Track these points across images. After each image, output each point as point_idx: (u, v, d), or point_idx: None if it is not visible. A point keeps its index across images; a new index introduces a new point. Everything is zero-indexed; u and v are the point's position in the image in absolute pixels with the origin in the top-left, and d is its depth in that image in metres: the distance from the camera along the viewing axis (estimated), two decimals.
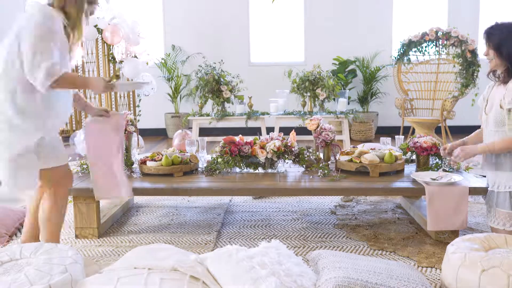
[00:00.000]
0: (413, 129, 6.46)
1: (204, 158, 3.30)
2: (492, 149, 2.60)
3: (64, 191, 2.52)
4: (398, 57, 6.30)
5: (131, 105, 6.68)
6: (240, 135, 3.21)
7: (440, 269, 2.37)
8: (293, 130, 3.51)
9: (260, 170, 3.16)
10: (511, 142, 2.52)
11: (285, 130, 4.22)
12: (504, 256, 2.03)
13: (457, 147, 2.79)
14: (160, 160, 3.11)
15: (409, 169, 3.18)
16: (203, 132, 7.63)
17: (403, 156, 3.19)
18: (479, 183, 2.81)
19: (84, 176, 3.09)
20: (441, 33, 5.97)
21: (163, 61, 7.59)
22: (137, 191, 2.86)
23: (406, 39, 6.22)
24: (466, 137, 2.92)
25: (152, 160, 3.13)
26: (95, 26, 5.83)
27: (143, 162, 3.14)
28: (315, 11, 7.66)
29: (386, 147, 3.34)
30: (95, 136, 2.66)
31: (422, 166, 3.08)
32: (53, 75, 2.21)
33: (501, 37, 2.53)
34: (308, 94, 5.69)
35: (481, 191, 2.75)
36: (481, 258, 2.00)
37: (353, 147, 3.35)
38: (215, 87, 5.63)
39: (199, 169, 3.22)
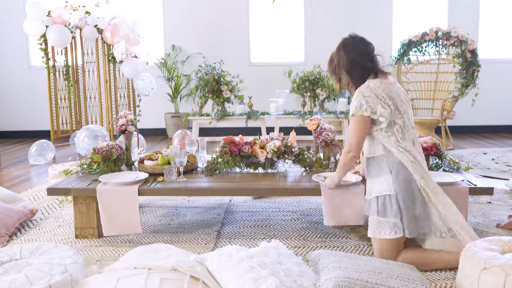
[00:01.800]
0: None
1: (204, 158, 3.30)
2: (338, 169, 2.59)
3: None
4: (398, 57, 6.31)
5: (131, 105, 6.69)
6: (240, 135, 3.21)
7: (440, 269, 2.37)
8: (293, 130, 3.51)
9: (260, 170, 3.16)
10: (343, 155, 2.49)
11: (285, 130, 4.22)
12: None
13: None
14: (157, 159, 3.11)
15: None
16: (203, 132, 7.63)
17: None
18: (479, 183, 2.81)
19: (84, 176, 3.09)
20: (441, 33, 5.98)
21: (163, 61, 7.59)
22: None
23: (406, 39, 6.23)
24: None
25: (149, 159, 3.13)
26: (95, 26, 5.83)
27: (141, 161, 3.15)
28: (315, 11, 7.66)
29: None
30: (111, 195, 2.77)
31: None
32: None
33: (333, 63, 2.58)
34: (308, 94, 5.69)
35: (481, 191, 2.75)
36: (503, 261, 1.92)
37: None
38: (215, 87, 5.63)
39: (199, 169, 3.22)
